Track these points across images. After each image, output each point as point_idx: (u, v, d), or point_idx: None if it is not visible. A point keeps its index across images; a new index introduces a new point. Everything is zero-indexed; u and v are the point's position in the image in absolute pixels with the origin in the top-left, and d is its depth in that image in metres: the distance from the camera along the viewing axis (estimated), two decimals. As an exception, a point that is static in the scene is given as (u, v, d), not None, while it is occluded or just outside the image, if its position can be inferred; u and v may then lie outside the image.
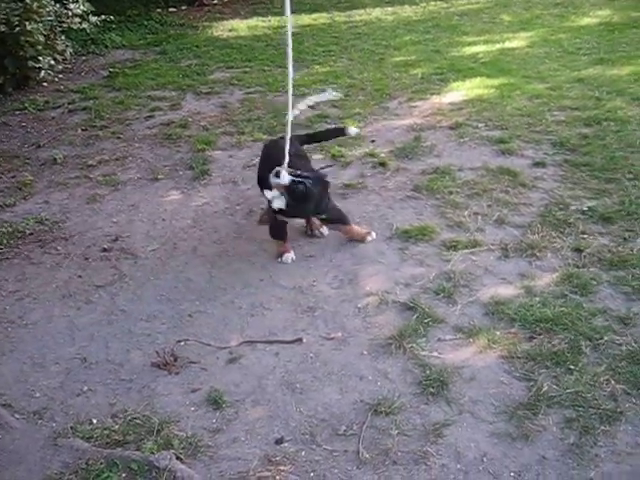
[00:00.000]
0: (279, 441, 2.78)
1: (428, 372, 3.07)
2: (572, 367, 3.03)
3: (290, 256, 4.05)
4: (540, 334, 3.24)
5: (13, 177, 5.42)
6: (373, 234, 4.17)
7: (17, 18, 6.57)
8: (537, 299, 3.49)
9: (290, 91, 3.83)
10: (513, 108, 5.98)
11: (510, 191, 4.57)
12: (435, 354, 3.18)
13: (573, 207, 4.33)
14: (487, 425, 2.78)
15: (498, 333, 3.27)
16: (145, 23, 10.29)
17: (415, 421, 2.82)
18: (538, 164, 4.95)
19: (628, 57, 7.06)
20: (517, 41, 8.00)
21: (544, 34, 8.21)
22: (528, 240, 3.99)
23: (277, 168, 3.69)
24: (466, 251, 3.95)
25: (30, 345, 3.47)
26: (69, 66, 8.27)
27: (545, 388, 2.91)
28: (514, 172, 4.82)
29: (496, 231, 4.15)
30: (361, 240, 4.15)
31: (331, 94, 4.88)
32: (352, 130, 4.76)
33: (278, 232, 4.10)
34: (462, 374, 3.05)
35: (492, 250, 3.95)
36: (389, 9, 10.20)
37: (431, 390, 2.96)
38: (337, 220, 4.15)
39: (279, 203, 3.74)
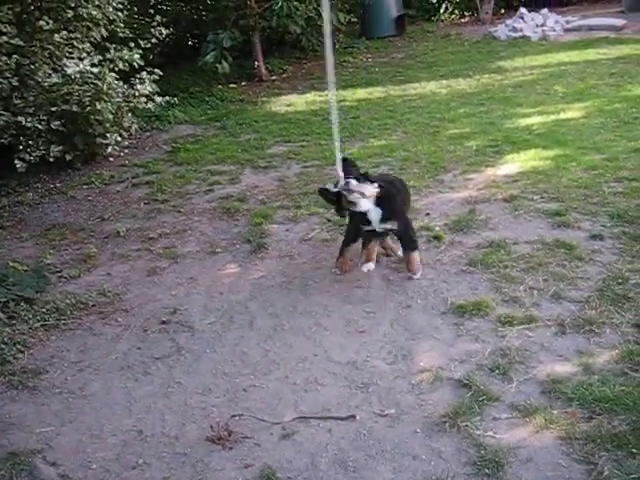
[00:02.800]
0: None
1: (483, 452, 3.01)
2: (634, 451, 2.92)
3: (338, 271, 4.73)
4: (600, 414, 3.15)
5: (78, 249, 5.65)
6: (419, 273, 4.56)
7: (88, 99, 6.95)
8: (596, 377, 3.40)
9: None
10: (569, 180, 5.94)
11: (567, 265, 4.52)
12: (490, 433, 3.13)
13: (632, 281, 4.24)
14: (545, 510, 2.71)
15: (555, 412, 3.20)
16: (206, 99, 10.70)
17: (470, 504, 2.77)
18: (595, 237, 4.88)
19: (686, 127, 6.99)
20: (572, 112, 8.00)
21: (599, 104, 8.20)
22: (585, 315, 3.92)
23: (345, 180, 4.27)
24: (522, 327, 3.90)
25: (89, 416, 3.57)
26: (134, 141, 8.65)
27: (606, 472, 2.82)
28: (570, 245, 4.77)
29: (552, 306, 4.09)
30: (412, 273, 4.56)
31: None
32: None
33: (350, 240, 4.67)
34: (518, 455, 2.99)
35: (548, 326, 3.89)
36: (444, 82, 10.35)
37: (486, 471, 2.91)
38: (407, 238, 4.54)
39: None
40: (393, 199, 4.45)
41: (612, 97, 8.43)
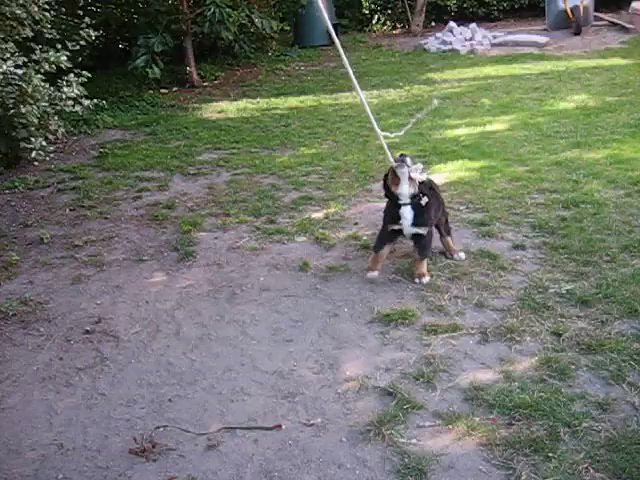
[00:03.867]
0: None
1: (407, 460, 3.05)
2: (551, 455, 3.02)
3: (374, 275, 4.64)
4: (519, 420, 3.24)
5: (-1, 257, 5.47)
6: (426, 279, 4.60)
7: (12, 101, 6.73)
8: (516, 384, 3.50)
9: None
10: (493, 190, 6.11)
11: (490, 274, 4.64)
12: (414, 441, 3.18)
13: (552, 290, 4.39)
14: (465, 516, 2.76)
15: (477, 419, 3.27)
16: (137, 104, 10.54)
17: (393, 511, 2.80)
18: (518, 247, 5.03)
19: (604, 141, 7.27)
20: (498, 124, 8.24)
21: (524, 118, 8.47)
22: (507, 324, 4.03)
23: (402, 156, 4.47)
24: (446, 335, 3.98)
25: (6, 430, 3.45)
26: (60, 146, 8.44)
27: (524, 477, 2.90)
28: (494, 255, 4.90)
29: (476, 315, 4.19)
30: (420, 278, 4.60)
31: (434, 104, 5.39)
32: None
33: (381, 244, 4.68)
34: (441, 462, 3.04)
35: (472, 334, 3.99)
36: (375, 92, 10.49)
37: (409, 479, 2.95)
38: (426, 245, 4.64)
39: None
40: (431, 207, 4.58)
41: (536, 111, 8.73)
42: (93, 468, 3.16)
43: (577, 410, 3.29)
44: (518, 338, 3.90)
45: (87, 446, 3.31)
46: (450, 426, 3.25)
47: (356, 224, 5.64)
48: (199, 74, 12.04)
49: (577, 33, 13.16)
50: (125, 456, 3.22)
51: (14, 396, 3.72)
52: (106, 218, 6.17)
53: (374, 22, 16.09)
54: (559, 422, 3.20)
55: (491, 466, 3.00)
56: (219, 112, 9.84)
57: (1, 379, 3.87)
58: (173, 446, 3.26)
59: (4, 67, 6.67)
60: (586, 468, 2.94)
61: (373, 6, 15.78)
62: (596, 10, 13.90)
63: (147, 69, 10.69)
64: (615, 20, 13.70)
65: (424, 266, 4.64)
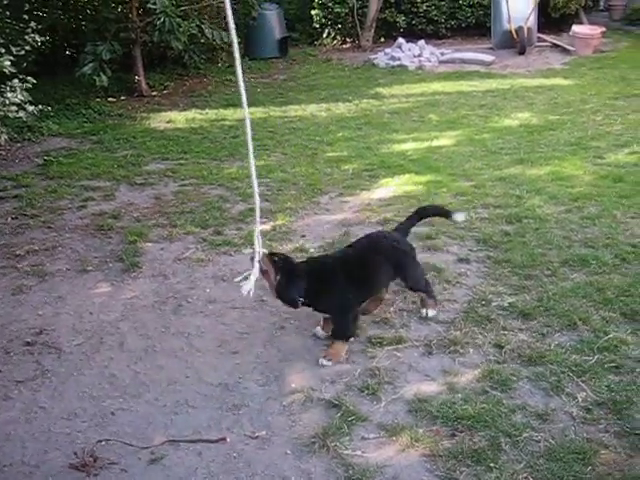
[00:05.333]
0: None
1: (351, 472, 3.08)
2: (492, 465, 3.08)
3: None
4: (462, 432, 3.30)
5: (-64, 266, 5.30)
6: (327, 362, 3.92)
7: (-49, 106, 6.58)
8: (459, 396, 3.56)
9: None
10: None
11: (435, 287, 4.70)
12: (358, 453, 3.20)
13: (495, 303, 4.48)
14: (408, 527, 2.79)
15: (421, 431, 3.32)
16: (83, 112, 10.34)
17: (337, 524, 2.81)
18: (462, 260, 5.12)
19: (546, 157, 7.46)
20: (444, 140, 8.37)
21: (469, 134, 8.63)
22: (451, 336, 4.10)
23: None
24: (391, 347, 4.02)
25: (-59, 446, 3.34)
26: (3, 153, 8.23)
27: (466, 487, 2.96)
28: (439, 268, 4.97)
29: (421, 327, 4.25)
30: (327, 359, 3.93)
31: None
32: (459, 216, 4.76)
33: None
34: (385, 473, 3.07)
35: (416, 346, 4.04)
36: (324, 105, 10.54)
37: (354, 490, 2.97)
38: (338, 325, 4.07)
39: None
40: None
41: (481, 127, 8.91)
42: (31, 484, 3.09)
43: (518, 421, 3.37)
44: (462, 350, 3.97)
45: (25, 461, 3.24)
46: (394, 437, 3.29)
47: (303, 236, 5.66)
48: (148, 83, 11.90)
49: (521, 53, 13.49)
50: (65, 471, 3.16)
51: (-51, 410, 3.61)
52: (50, 227, 6.04)
53: (324, 36, 16.18)
54: (500, 433, 3.28)
55: (434, 477, 3.05)
56: (168, 122, 9.76)
57: (-64, 392, 3.76)
58: (115, 460, 3.22)
59: (-55, 71, 6.52)
60: (526, 477, 3.02)
61: (324, 20, 15.86)
62: (539, 31, 14.29)
63: (95, 77, 10.49)
64: (557, 42, 14.11)
65: (334, 347, 3.99)
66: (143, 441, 3.33)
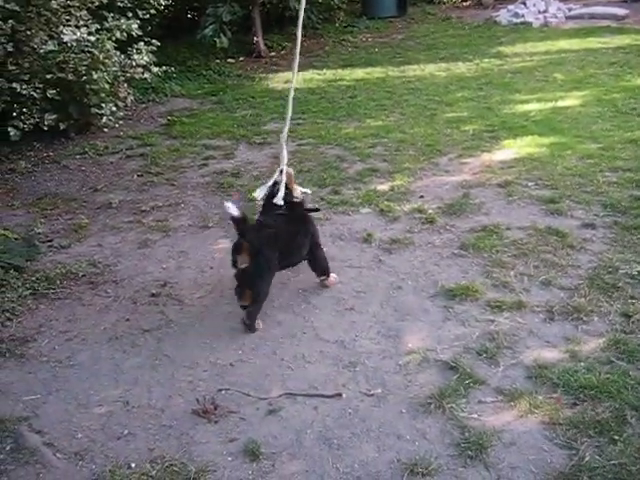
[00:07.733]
0: (314, 497, 2.78)
1: (467, 434, 3.03)
2: (616, 437, 2.95)
3: None
4: (584, 401, 3.18)
5: (69, 219, 5.62)
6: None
7: (84, 68, 6.87)
8: (582, 364, 3.43)
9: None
10: (564, 168, 5.94)
11: (558, 252, 4.53)
12: (475, 416, 3.15)
13: (622, 271, 4.26)
14: (526, 493, 2.73)
15: (540, 398, 3.22)
16: (204, 73, 10.61)
17: (452, 484, 2.79)
18: (587, 225, 4.89)
19: (684, 119, 6.98)
20: (570, 100, 7.98)
21: (598, 93, 8.18)
22: (575, 303, 3.93)
23: None
24: (511, 312, 3.91)
25: (75, 386, 3.56)
26: (130, 113, 8.58)
27: (587, 458, 2.85)
28: (563, 233, 4.77)
29: (542, 292, 4.10)
30: None
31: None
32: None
33: None
34: (502, 438, 3.01)
35: (537, 312, 3.91)
36: (443, 65, 10.30)
37: (469, 453, 2.93)
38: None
39: None
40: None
41: (611, 87, 8.42)
42: (157, 426, 3.24)
43: (645, 393, 3.20)
44: (585, 318, 3.81)
45: (151, 405, 3.39)
46: (512, 403, 3.21)
47: (422, 197, 5.57)
48: (266, 44, 12.02)
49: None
50: (188, 416, 3.29)
51: (82, 354, 3.83)
52: (173, 185, 6.26)
53: (444, -7, 15.78)
54: (626, 405, 3.13)
55: (553, 445, 2.95)
56: (285, 82, 9.81)
57: (70, 337, 4.00)
58: (234, 409, 3.31)
59: (78, 34, 6.82)
60: (652, 453, 2.86)
61: (444, -23, 15.46)
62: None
63: (215, 38, 10.72)
64: None
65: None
66: (261, 392, 3.41)
